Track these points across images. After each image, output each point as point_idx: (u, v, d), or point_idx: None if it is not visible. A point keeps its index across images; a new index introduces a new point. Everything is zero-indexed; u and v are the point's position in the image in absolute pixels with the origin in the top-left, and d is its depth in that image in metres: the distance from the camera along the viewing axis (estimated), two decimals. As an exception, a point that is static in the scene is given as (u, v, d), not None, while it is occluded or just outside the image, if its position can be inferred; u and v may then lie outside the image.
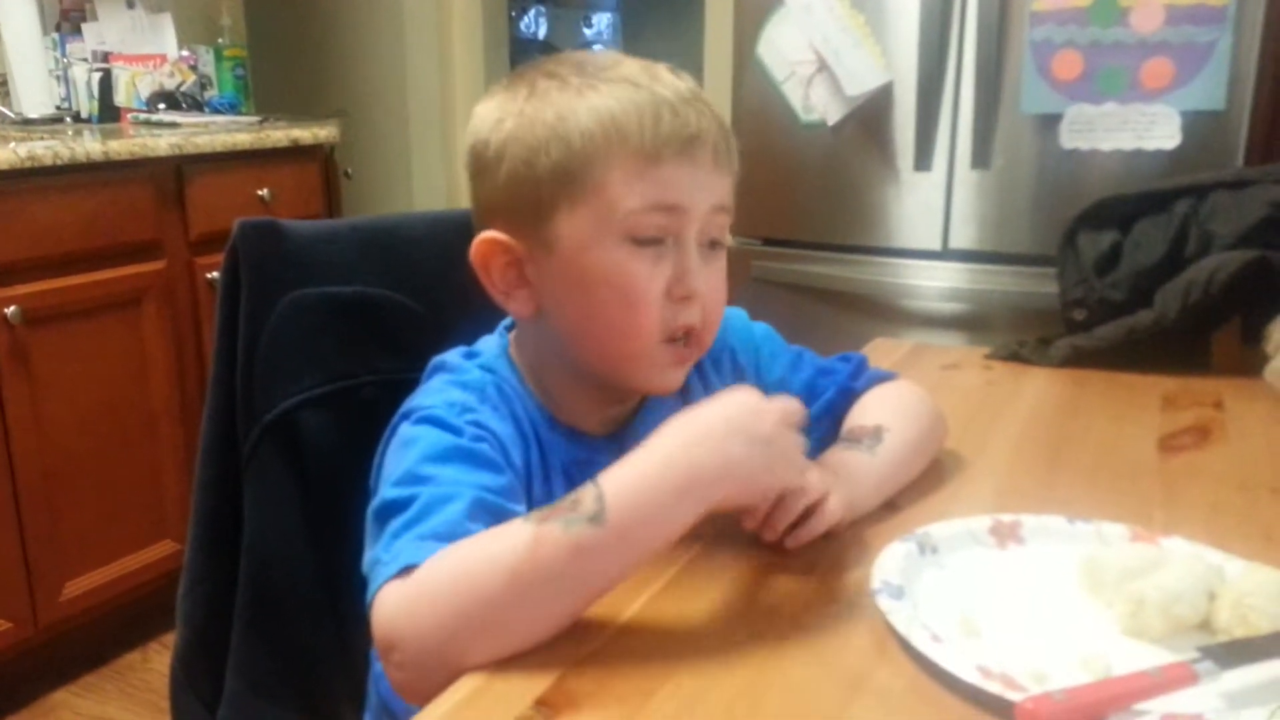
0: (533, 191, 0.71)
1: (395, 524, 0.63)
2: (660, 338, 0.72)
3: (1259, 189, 1.24)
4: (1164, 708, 0.52)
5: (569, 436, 0.78)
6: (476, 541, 0.60)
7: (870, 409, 0.86)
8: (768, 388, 0.87)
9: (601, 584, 0.60)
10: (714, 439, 0.61)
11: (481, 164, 0.74)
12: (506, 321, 0.82)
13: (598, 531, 0.57)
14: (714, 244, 0.75)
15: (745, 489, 0.64)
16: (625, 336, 0.72)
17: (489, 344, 0.81)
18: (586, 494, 0.59)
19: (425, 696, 0.57)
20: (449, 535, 0.61)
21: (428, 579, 0.58)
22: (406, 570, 0.59)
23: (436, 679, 0.57)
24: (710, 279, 0.74)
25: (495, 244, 0.74)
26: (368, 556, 0.64)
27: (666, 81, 0.72)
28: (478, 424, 0.70)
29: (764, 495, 0.67)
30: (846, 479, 0.76)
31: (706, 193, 0.72)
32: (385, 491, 0.66)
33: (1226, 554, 0.68)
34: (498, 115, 0.73)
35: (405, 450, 0.69)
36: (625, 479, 0.59)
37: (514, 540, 0.58)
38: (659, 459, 0.60)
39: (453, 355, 0.79)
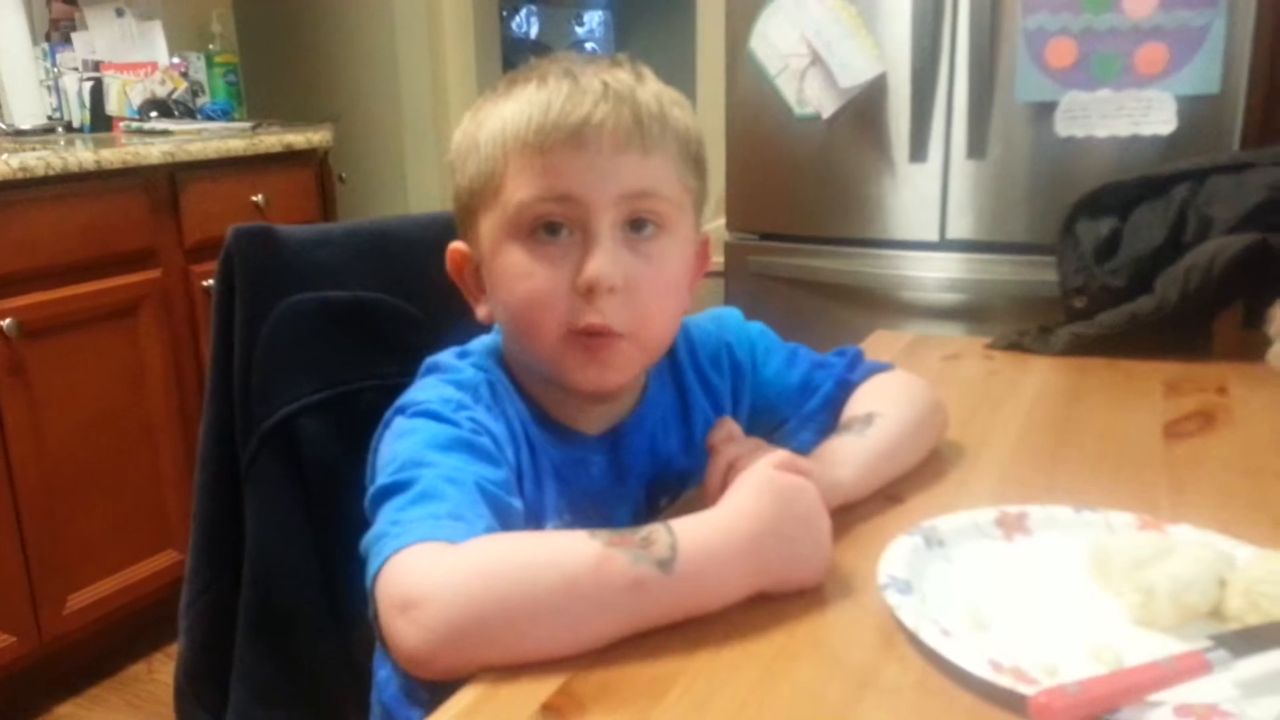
0: (464, 201, 0.76)
1: (400, 500, 0.63)
2: (559, 333, 0.71)
3: (1257, 172, 1.24)
4: (1178, 698, 0.52)
5: (560, 435, 0.77)
6: (532, 539, 0.64)
7: (864, 398, 0.86)
8: (764, 383, 0.88)
9: (641, 624, 0.59)
10: (781, 535, 0.62)
11: (451, 182, 0.78)
12: None
13: (661, 578, 0.58)
14: (646, 229, 0.72)
15: (800, 582, 0.64)
16: (528, 332, 0.73)
17: (482, 343, 0.80)
18: (660, 538, 0.59)
19: (429, 668, 0.57)
20: (466, 518, 0.61)
21: (473, 557, 0.58)
22: (435, 544, 0.59)
23: (444, 653, 0.56)
24: (637, 267, 0.71)
25: (458, 254, 0.78)
26: (370, 532, 0.63)
27: (588, 74, 0.70)
28: (474, 420, 0.71)
29: (812, 583, 0.66)
30: (831, 462, 0.76)
31: (609, 179, 0.69)
32: (385, 477, 0.66)
33: (1235, 540, 0.68)
34: (456, 135, 0.77)
35: (403, 440, 0.69)
36: (699, 540, 0.60)
37: (579, 551, 0.58)
38: (735, 539, 0.61)
39: (446, 355, 0.79)
